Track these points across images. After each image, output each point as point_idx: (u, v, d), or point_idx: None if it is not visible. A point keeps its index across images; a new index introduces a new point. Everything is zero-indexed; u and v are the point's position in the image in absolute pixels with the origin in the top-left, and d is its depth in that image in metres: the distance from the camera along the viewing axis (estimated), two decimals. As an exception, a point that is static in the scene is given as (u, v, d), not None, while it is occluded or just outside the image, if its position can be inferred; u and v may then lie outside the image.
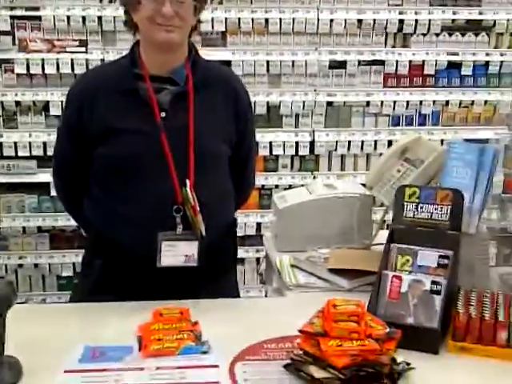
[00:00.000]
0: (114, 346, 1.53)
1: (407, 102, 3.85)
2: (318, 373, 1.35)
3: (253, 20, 3.65)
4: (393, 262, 1.69)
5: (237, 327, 1.65)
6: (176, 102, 1.81)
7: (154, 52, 1.81)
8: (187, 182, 1.78)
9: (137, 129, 1.78)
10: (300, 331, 1.42)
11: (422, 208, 1.73)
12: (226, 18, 3.62)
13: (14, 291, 1.42)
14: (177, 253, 1.81)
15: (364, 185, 2.27)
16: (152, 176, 1.79)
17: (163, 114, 1.79)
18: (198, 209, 1.79)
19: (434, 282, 1.60)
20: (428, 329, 1.56)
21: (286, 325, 1.54)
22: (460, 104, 3.89)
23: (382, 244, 1.78)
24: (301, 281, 1.99)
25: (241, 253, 3.81)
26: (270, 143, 3.79)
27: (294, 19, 3.65)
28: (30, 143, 3.63)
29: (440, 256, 1.65)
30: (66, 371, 1.42)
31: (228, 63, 3.61)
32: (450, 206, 1.70)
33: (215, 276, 1.91)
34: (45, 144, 3.63)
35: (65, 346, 1.52)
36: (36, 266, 3.83)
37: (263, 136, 3.73)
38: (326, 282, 1.97)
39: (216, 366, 1.45)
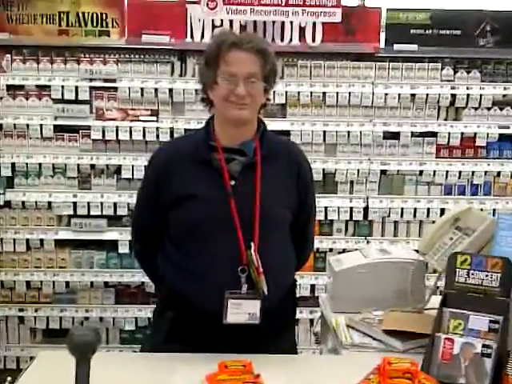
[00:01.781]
0: (183, 393, 1.66)
1: (459, 172, 3.92)
2: (373, 425, 1.45)
3: (311, 93, 3.82)
4: (445, 326, 1.77)
5: (295, 381, 1.75)
6: (245, 172, 1.97)
7: (226, 126, 1.99)
8: (252, 244, 1.91)
9: (209, 195, 1.94)
10: (357, 386, 1.52)
11: (473, 274, 1.82)
12: (286, 92, 3.80)
13: (99, 338, 1.56)
14: (241, 310, 1.91)
15: (417, 251, 2.36)
16: (220, 238, 1.93)
17: (233, 182, 1.95)
18: (261, 270, 1.91)
19: (484, 346, 1.68)
20: (479, 389, 1.64)
21: (342, 381, 1.63)
22: (512, 175, 3.97)
23: (435, 308, 1.87)
24: (356, 340, 2.07)
25: (295, 314, 3.89)
26: (326, 208, 3.90)
27: (350, 93, 3.82)
28: (101, 203, 3.84)
29: (490, 321, 1.72)
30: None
31: (287, 133, 3.79)
32: (499, 274, 1.78)
33: (275, 334, 2.00)
34: (115, 204, 3.83)
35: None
36: (101, 319, 3.95)
37: (319, 201, 3.73)
38: (380, 342, 2.04)
39: (277, 416, 1.56)
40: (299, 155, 2.15)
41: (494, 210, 3.85)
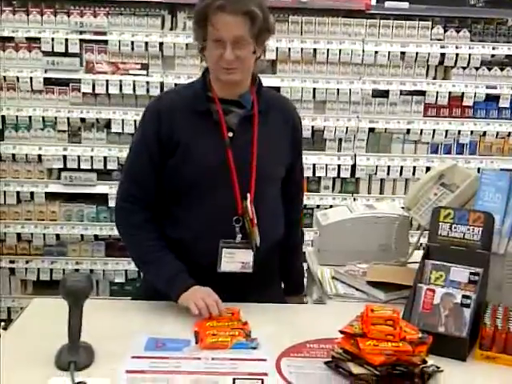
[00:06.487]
0: (174, 338, 1.71)
1: (446, 131, 3.96)
2: (355, 369, 1.50)
3: (302, 50, 3.81)
4: (427, 277, 1.84)
5: (282, 328, 1.81)
6: (242, 124, 1.98)
7: (219, 83, 1.98)
8: (248, 196, 1.95)
9: (206, 146, 1.95)
10: (341, 332, 1.57)
11: (455, 228, 1.88)
12: (276, 48, 3.78)
13: (92, 284, 1.61)
14: (235, 260, 1.97)
15: (402, 208, 2.41)
16: (217, 189, 1.96)
17: (230, 134, 1.96)
18: (256, 221, 1.96)
19: (464, 296, 1.74)
20: (457, 337, 1.70)
21: (326, 328, 1.69)
22: (497, 135, 4.00)
23: (417, 262, 1.92)
24: (340, 291, 2.14)
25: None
26: (314, 165, 3.93)
27: (340, 50, 3.81)
28: (91, 157, 3.85)
29: (471, 273, 1.79)
30: (132, 357, 1.61)
31: (277, 89, 3.75)
32: (481, 228, 1.84)
33: (265, 284, 2.07)
34: (105, 158, 3.85)
35: (129, 336, 1.70)
36: (91, 271, 4.00)
37: (307, 158, 3.82)
38: (363, 293, 2.11)
39: (264, 360, 1.62)
40: (294, 113, 2.16)
41: (479, 169, 3.87)
